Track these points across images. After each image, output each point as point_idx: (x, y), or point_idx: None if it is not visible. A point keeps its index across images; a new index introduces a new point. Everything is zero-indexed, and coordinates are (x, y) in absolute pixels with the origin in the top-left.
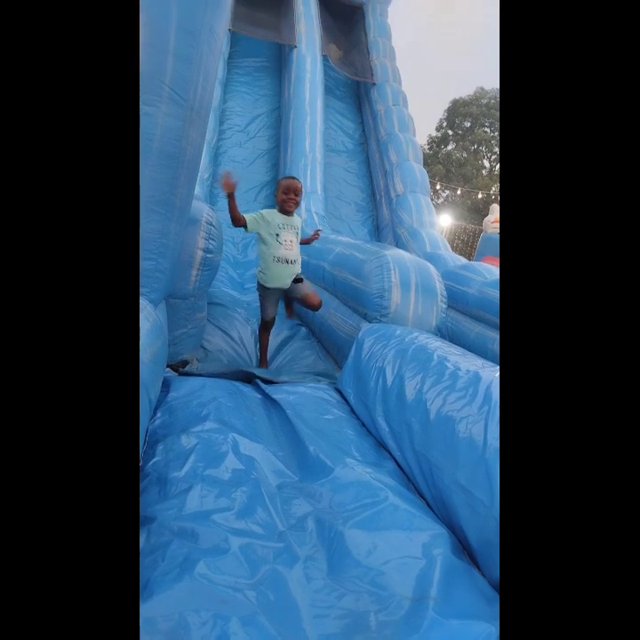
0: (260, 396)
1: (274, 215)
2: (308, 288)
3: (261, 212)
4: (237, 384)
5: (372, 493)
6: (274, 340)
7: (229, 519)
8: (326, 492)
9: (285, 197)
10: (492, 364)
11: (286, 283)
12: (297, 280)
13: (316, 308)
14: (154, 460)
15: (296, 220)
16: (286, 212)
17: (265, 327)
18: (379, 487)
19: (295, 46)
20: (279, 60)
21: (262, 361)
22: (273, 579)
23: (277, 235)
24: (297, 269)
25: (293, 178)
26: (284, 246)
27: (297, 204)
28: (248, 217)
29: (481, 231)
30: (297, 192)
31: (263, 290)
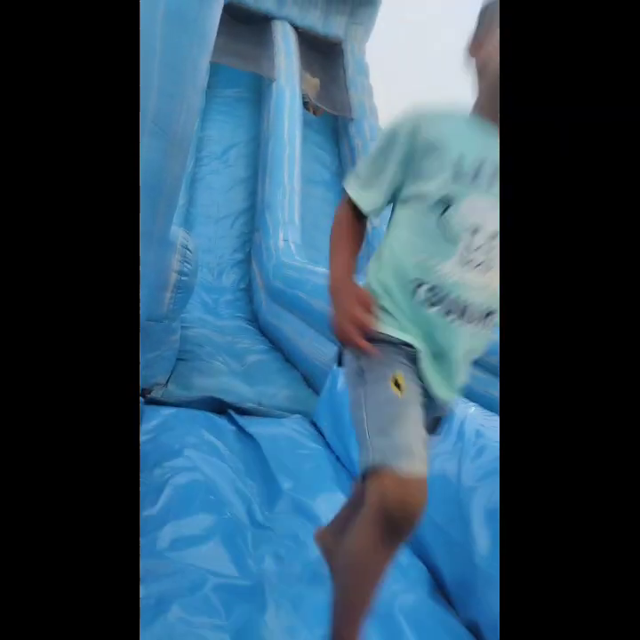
0: (234, 429)
1: (456, 127)
2: None
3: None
4: (211, 415)
5: None
6: (244, 361)
7: (203, 557)
8: (300, 533)
9: None
10: (465, 400)
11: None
12: None
13: None
14: None
15: None
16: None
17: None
18: None
19: (274, 79)
20: (258, 92)
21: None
22: (247, 621)
23: (450, 199)
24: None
25: None
26: (465, 248)
27: None
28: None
29: None
30: None
31: (378, 347)
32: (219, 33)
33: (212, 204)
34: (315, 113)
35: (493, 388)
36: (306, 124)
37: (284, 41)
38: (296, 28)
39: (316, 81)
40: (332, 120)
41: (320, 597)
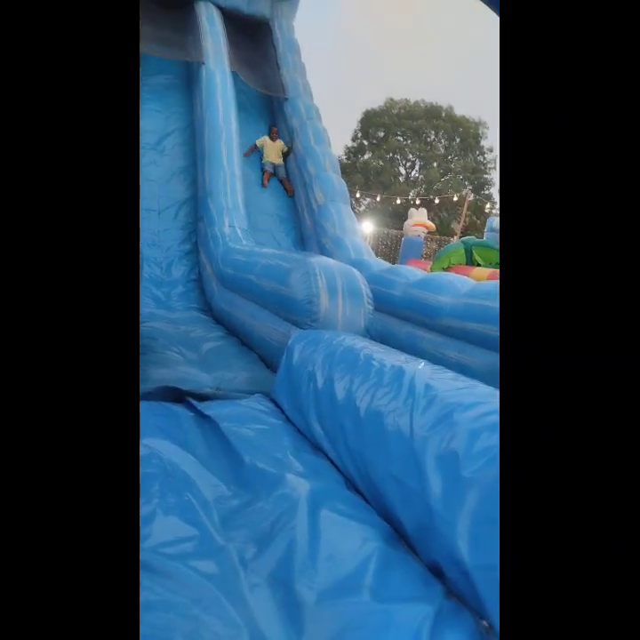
0: (192, 414)
1: None
2: None
3: None
4: (168, 404)
5: (309, 498)
6: (200, 349)
7: (166, 542)
8: (264, 504)
9: None
10: (414, 357)
11: None
12: None
13: None
14: None
15: None
16: None
17: None
18: (316, 491)
19: (203, 63)
20: (188, 77)
21: None
22: (215, 600)
23: None
24: None
25: None
26: None
27: None
28: None
29: (402, 235)
30: None
31: None
32: (141, 21)
33: (152, 196)
34: (287, 192)
35: (444, 349)
36: (240, 106)
37: (209, 22)
38: (220, 8)
39: (281, 144)
40: (268, 101)
41: (288, 561)
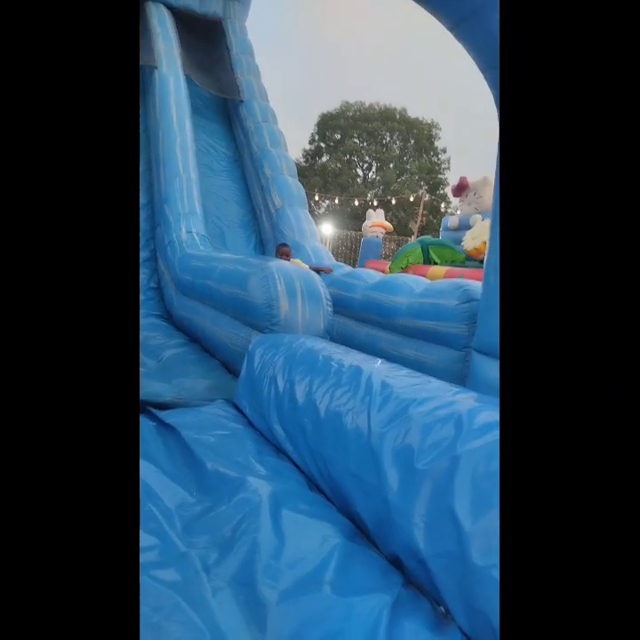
0: (154, 424)
1: None
2: None
3: None
4: None
5: (271, 500)
6: (161, 356)
7: None
8: (226, 508)
9: None
10: (372, 357)
11: None
12: None
13: None
14: None
15: None
16: None
17: None
18: (278, 492)
19: (156, 67)
20: (140, 82)
21: None
22: (176, 607)
23: None
24: None
25: None
26: None
27: None
28: None
29: (362, 236)
30: None
31: None
32: None
33: None
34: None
35: (402, 348)
36: (196, 110)
37: (161, 24)
38: (171, 8)
39: (298, 262)
40: (223, 104)
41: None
